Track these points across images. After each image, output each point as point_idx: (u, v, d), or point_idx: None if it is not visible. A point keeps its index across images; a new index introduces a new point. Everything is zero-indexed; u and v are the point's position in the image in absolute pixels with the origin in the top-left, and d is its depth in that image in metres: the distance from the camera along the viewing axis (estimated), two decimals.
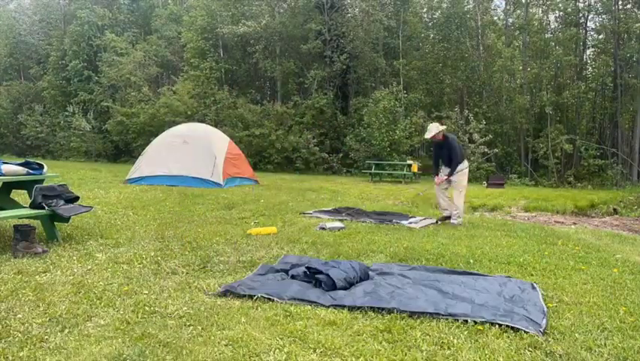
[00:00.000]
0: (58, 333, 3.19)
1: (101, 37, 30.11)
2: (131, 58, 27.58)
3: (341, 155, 23.43)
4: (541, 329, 3.43)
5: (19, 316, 3.46)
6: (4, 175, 5.50)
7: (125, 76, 27.41)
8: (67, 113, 29.14)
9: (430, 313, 3.66)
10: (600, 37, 22.83)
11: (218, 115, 24.66)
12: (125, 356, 2.91)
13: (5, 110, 32.17)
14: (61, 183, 5.99)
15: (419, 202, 12.86)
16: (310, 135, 23.11)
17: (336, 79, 25.41)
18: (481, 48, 24.49)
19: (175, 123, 19.35)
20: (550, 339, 3.33)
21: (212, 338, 3.19)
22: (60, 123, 29.84)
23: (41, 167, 5.83)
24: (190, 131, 14.90)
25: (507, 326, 3.48)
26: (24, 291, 3.98)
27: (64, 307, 3.63)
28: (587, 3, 22.21)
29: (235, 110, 24.20)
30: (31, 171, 5.74)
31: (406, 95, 23.16)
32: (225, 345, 3.10)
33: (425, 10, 27.16)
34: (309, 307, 3.80)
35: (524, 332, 3.40)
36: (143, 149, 15.65)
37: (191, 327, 3.36)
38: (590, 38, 23.27)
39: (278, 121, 23.62)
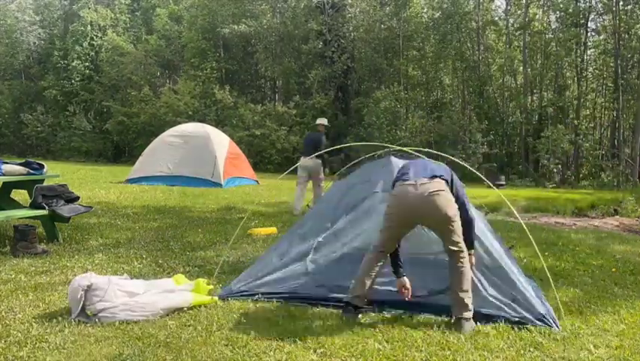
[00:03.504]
0: (59, 333, 3.19)
1: (103, 36, 30.16)
2: (132, 57, 27.60)
3: (342, 155, 23.39)
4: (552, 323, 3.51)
5: (19, 316, 3.47)
6: (4, 175, 5.50)
7: (125, 75, 27.42)
8: (67, 113, 29.16)
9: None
10: (601, 37, 22.82)
11: (219, 115, 24.66)
12: (125, 355, 2.91)
13: (7, 109, 32.12)
14: (61, 183, 6.00)
15: None
16: None
17: (337, 79, 25.40)
18: (482, 48, 24.47)
19: (176, 123, 19.29)
20: (550, 340, 3.33)
21: (212, 338, 3.19)
22: (61, 123, 29.84)
23: (42, 167, 5.84)
24: (190, 131, 14.88)
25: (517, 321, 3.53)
26: (24, 291, 3.98)
27: (63, 306, 3.63)
28: (587, 4, 22.20)
29: (236, 111, 24.18)
30: (31, 170, 5.74)
31: (406, 95, 23.11)
32: (225, 345, 3.10)
33: (425, 10, 27.14)
34: (309, 307, 3.80)
35: (527, 329, 3.40)
36: (144, 149, 15.64)
37: (191, 327, 3.36)
38: (590, 39, 23.26)
39: (279, 121, 23.58)
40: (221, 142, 14.80)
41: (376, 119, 21.54)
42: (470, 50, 24.42)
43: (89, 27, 29.93)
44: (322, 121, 9.89)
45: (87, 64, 29.96)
